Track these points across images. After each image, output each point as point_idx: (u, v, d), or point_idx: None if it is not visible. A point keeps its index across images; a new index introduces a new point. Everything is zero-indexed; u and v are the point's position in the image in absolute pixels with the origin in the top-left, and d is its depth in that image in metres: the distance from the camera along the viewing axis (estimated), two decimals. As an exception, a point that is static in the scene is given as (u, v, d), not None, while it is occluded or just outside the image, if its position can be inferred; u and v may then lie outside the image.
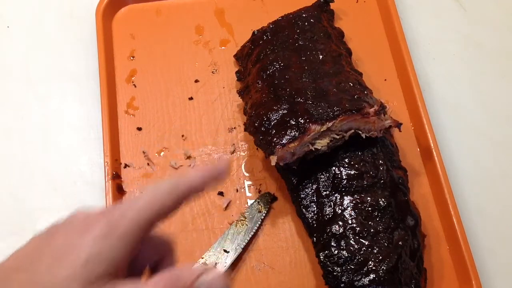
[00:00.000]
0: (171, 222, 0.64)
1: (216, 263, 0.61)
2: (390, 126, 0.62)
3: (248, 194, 0.66)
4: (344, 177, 0.60)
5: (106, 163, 0.65)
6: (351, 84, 0.62)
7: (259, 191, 0.66)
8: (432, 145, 0.66)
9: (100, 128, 0.68)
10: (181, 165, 0.68)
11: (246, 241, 0.62)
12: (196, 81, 0.73)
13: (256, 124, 0.60)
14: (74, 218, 0.35)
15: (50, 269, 0.32)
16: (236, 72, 0.72)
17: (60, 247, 0.33)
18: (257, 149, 0.67)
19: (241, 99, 0.68)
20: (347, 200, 0.60)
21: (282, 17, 0.70)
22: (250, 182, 0.67)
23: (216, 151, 0.69)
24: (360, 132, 0.60)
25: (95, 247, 0.33)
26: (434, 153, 0.66)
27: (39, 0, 0.80)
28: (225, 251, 0.62)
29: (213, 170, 0.38)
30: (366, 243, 0.57)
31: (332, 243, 0.57)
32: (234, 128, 0.70)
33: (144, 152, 0.68)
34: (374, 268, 0.56)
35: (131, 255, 0.35)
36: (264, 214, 0.64)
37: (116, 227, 0.34)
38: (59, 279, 0.32)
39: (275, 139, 0.58)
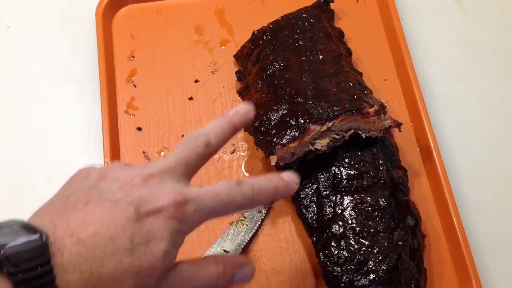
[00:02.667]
0: (171, 222, 0.64)
1: (216, 263, 0.61)
2: (390, 126, 0.62)
3: (248, 194, 0.66)
4: (344, 177, 0.60)
5: (106, 163, 0.65)
6: (351, 84, 0.62)
7: (259, 191, 0.66)
8: (432, 145, 0.66)
9: (100, 128, 0.68)
10: (181, 165, 0.68)
11: (246, 241, 0.62)
12: (196, 81, 0.73)
13: (256, 124, 0.60)
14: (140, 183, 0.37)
15: (133, 252, 0.34)
16: (236, 72, 0.72)
17: (136, 229, 0.34)
18: (257, 149, 0.67)
19: (241, 99, 0.68)
20: (347, 200, 0.60)
21: (282, 17, 0.70)
22: (250, 182, 0.67)
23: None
24: (360, 132, 0.60)
25: (169, 242, 0.35)
26: (434, 153, 0.66)
27: (39, 0, 0.80)
28: (225, 251, 0.62)
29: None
30: (366, 243, 0.57)
31: (332, 243, 0.57)
32: (234, 128, 0.70)
33: (144, 152, 0.68)
34: (374, 268, 0.56)
35: None
36: (264, 214, 0.64)
37: (185, 225, 0.36)
38: (145, 266, 0.34)
39: (275, 139, 0.58)
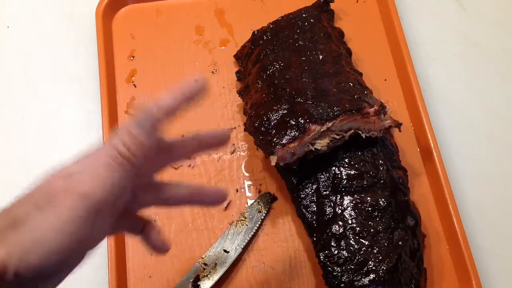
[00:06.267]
0: (172, 221, 0.64)
1: (216, 263, 0.61)
2: (390, 126, 0.62)
3: (248, 194, 0.66)
4: (344, 177, 0.60)
5: (106, 163, 0.65)
6: (351, 84, 0.62)
7: (259, 191, 0.66)
8: (432, 145, 0.66)
9: (100, 128, 0.68)
10: (181, 165, 0.68)
11: (246, 241, 0.62)
12: (196, 81, 0.73)
13: (256, 124, 0.60)
14: None
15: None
16: (236, 72, 0.72)
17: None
18: (257, 149, 0.67)
19: (241, 99, 0.68)
20: (347, 200, 0.60)
21: (282, 17, 0.70)
22: (250, 182, 0.67)
23: (216, 151, 0.68)
24: (360, 132, 0.60)
25: None
26: (434, 153, 0.66)
27: (39, 0, 0.80)
28: (225, 251, 0.62)
29: (185, 89, 0.43)
30: (366, 243, 0.57)
31: (332, 243, 0.57)
32: (234, 128, 0.70)
33: (144, 152, 0.68)
34: (374, 268, 0.56)
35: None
36: (264, 214, 0.64)
37: None
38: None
39: (275, 139, 0.58)
